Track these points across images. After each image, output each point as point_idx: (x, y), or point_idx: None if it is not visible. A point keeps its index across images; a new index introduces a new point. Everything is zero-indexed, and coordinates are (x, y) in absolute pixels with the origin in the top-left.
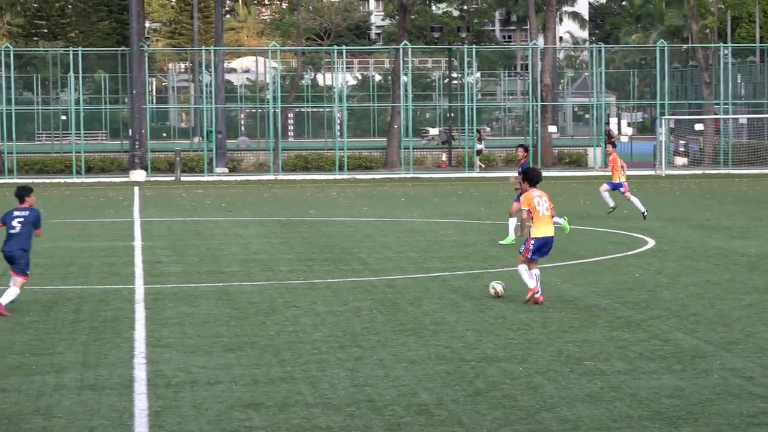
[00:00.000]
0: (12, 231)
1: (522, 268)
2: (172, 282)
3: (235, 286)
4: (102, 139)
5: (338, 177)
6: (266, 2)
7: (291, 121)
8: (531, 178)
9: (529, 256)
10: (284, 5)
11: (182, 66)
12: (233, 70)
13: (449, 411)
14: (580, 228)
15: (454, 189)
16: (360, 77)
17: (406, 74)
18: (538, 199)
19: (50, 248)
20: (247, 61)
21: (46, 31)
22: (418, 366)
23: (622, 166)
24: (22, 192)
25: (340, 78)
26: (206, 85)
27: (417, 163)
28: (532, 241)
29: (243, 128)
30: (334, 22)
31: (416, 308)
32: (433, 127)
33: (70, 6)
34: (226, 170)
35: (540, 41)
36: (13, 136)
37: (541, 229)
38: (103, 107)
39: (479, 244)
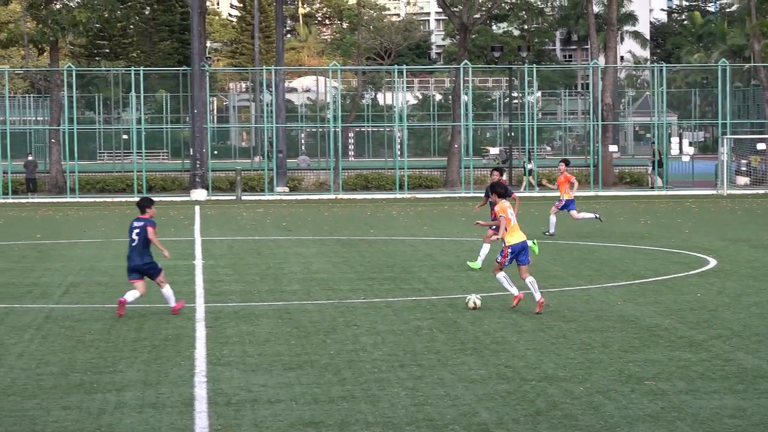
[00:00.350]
0: (133, 244)
1: (501, 276)
2: (232, 301)
3: (295, 305)
4: (163, 159)
5: (398, 196)
6: (327, 22)
7: (351, 141)
8: (500, 192)
9: (506, 264)
10: (345, 25)
11: (243, 85)
12: (294, 90)
13: (509, 430)
14: (642, 248)
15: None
16: (420, 96)
17: (466, 93)
18: (510, 209)
19: (112, 267)
20: (307, 81)
21: (108, 51)
22: (479, 385)
23: (572, 184)
24: (144, 203)
25: (401, 97)
26: (267, 105)
27: (477, 182)
28: (509, 249)
29: (303, 147)
30: (395, 41)
31: (477, 327)
32: (494, 146)
33: (131, 26)
34: (287, 189)
35: (601, 60)
36: (75, 155)
37: (515, 236)
38: (165, 126)
39: (539, 264)
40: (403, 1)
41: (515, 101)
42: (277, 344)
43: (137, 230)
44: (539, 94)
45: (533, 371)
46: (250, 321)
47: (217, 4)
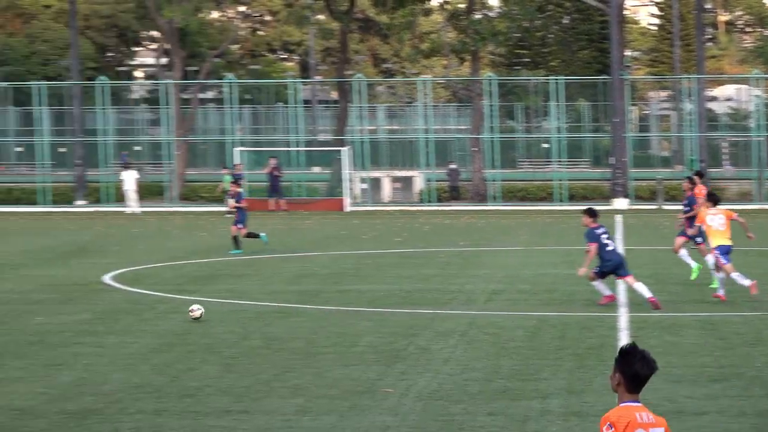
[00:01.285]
0: (609, 248)
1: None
2: (656, 311)
3: (719, 317)
4: (584, 168)
5: None
6: (748, 29)
7: None
8: (712, 198)
9: (725, 261)
10: (767, 32)
11: (663, 94)
12: (714, 98)
13: None
14: None
15: None
16: None
17: None
18: (711, 216)
19: (534, 275)
20: (728, 89)
21: (528, 60)
22: None
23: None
24: (595, 213)
25: None
26: (688, 114)
27: None
28: (716, 251)
29: (726, 157)
30: None
31: None
32: None
33: (551, 36)
34: None
35: None
36: (496, 163)
37: (717, 240)
38: (585, 135)
39: None
40: None
41: None
42: (701, 356)
43: (606, 235)
44: None
45: None
46: (674, 332)
47: (637, 12)
